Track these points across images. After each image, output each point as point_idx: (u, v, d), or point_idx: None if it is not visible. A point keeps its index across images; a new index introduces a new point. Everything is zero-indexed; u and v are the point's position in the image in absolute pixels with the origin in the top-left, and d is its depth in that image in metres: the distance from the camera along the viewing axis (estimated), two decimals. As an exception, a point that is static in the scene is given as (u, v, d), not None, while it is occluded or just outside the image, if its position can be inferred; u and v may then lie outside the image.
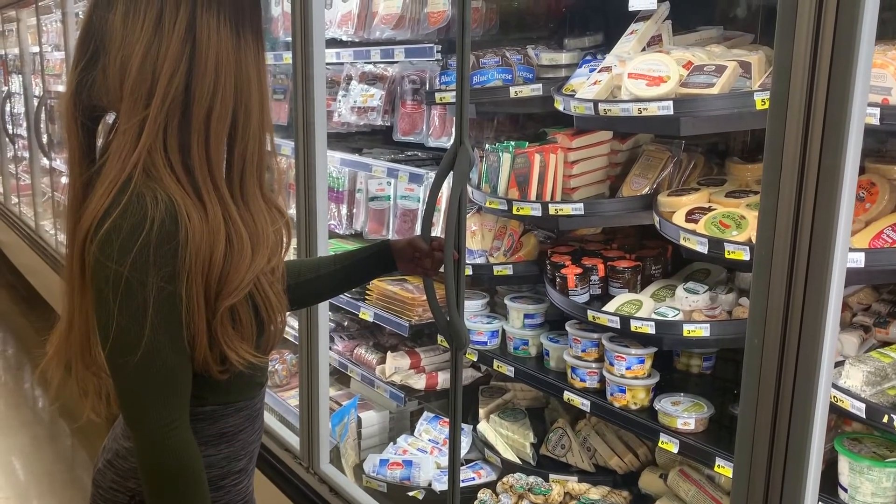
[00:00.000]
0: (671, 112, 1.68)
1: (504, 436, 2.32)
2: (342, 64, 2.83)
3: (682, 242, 1.73)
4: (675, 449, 1.81)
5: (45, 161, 5.98)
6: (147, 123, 1.03)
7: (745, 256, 1.60)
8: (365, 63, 2.76)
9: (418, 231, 2.59)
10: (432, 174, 2.52)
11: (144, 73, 1.03)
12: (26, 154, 6.61)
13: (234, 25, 1.07)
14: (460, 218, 1.45)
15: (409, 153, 2.90)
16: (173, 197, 1.04)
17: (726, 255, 1.63)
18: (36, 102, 5.90)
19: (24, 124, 6.62)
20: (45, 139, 5.63)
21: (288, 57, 2.97)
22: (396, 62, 2.63)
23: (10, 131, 6.97)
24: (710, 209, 1.78)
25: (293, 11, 2.16)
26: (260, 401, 1.31)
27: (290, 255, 2.97)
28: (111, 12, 1.06)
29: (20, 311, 6.06)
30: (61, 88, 5.51)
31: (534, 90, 2.15)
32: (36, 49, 5.96)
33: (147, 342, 1.03)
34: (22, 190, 6.93)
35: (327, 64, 2.33)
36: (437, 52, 2.35)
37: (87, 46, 1.08)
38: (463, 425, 2.45)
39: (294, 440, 2.50)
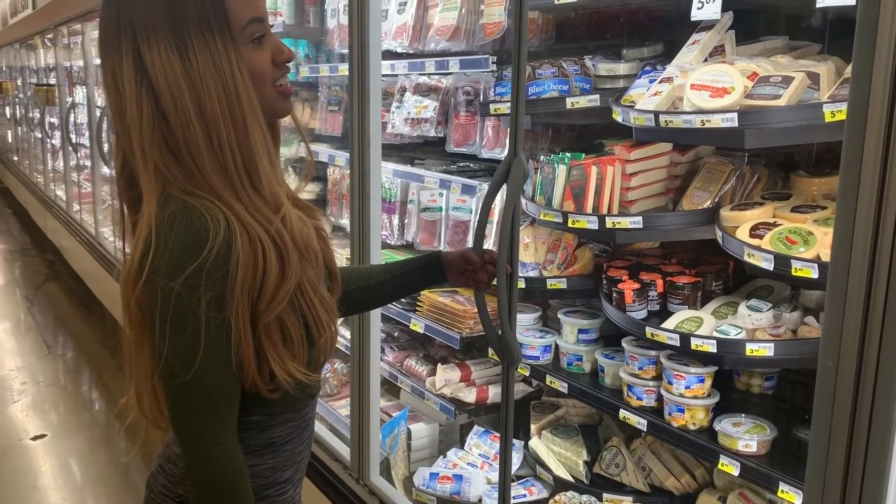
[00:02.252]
0: (736, 124, 1.63)
1: (556, 453, 2.28)
2: (396, 76, 2.84)
3: (746, 258, 1.67)
4: (735, 472, 1.75)
5: (105, 169, 6.17)
6: (150, 170, 1.07)
7: (814, 274, 1.54)
8: (419, 74, 2.77)
9: (470, 243, 2.58)
10: (485, 185, 2.51)
11: (124, 125, 1.08)
12: (88, 163, 6.83)
13: (179, 47, 1.06)
14: (514, 230, 1.43)
15: (461, 164, 2.89)
16: (228, 217, 1.05)
17: (793, 273, 1.57)
18: (98, 113, 6.09)
19: (87, 134, 6.84)
20: (106, 148, 5.80)
21: (343, 69, 3.00)
22: (451, 73, 2.62)
23: (74, 141, 7.20)
24: (775, 224, 1.72)
25: (350, 24, 2.17)
26: (311, 410, 1.30)
27: (342, 264, 2.99)
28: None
29: (80, 315, 6.24)
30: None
31: (591, 101, 2.12)
32: (99, 61, 6.14)
33: (198, 362, 1.04)
34: (83, 197, 7.16)
35: (382, 76, 2.34)
36: (492, 63, 2.34)
37: None
38: (514, 441, 2.41)
39: (344, 450, 2.50)
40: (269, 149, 1.14)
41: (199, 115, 1.06)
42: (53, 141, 8.42)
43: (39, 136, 9.09)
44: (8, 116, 12.27)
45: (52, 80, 8.07)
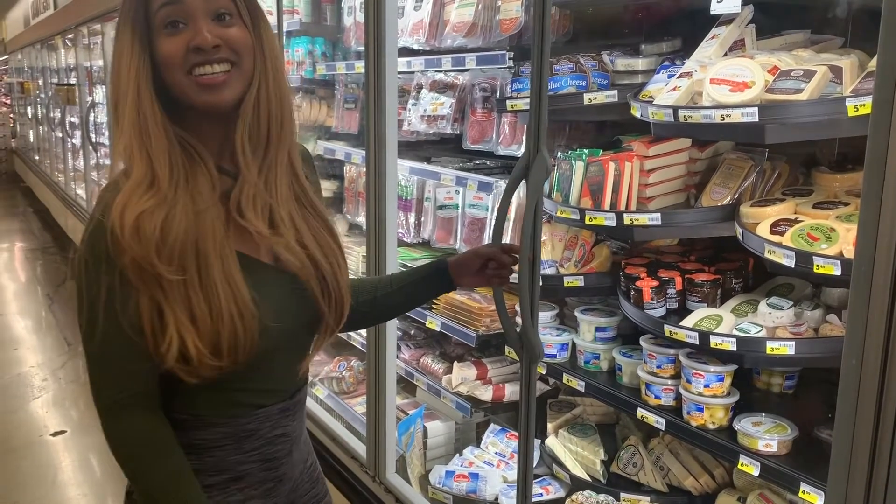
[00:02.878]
0: (756, 119, 1.61)
1: (573, 451, 2.27)
2: (412, 73, 2.83)
3: (766, 255, 1.65)
4: (755, 472, 1.72)
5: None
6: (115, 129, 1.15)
7: (836, 271, 1.51)
8: (436, 71, 2.76)
9: (487, 240, 2.56)
10: (502, 183, 2.50)
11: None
12: (108, 162, 6.89)
13: (120, 29, 1.12)
14: (535, 227, 1.42)
15: (477, 161, 2.88)
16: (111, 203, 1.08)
17: (815, 270, 1.55)
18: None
19: (107, 133, 6.90)
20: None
21: (359, 66, 3.00)
22: (467, 70, 2.61)
23: (94, 140, 7.28)
24: (796, 221, 1.69)
25: (366, 22, 2.17)
26: (257, 422, 1.21)
27: (359, 266, 2.99)
28: None
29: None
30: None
31: (608, 97, 2.10)
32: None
33: (100, 328, 1.08)
34: (103, 196, 7.20)
35: (398, 73, 2.34)
36: (509, 59, 2.32)
37: None
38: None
39: (361, 448, 2.50)
40: (140, 123, 1.12)
41: (112, 100, 1.14)
42: (74, 140, 8.51)
43: (60, 135, 9.19)
44: (30, 116, 12.42)
45: (73, 80, 8.16)
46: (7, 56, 15.44)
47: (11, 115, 14.74)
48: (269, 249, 1.18)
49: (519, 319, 2.39)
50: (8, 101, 15.95)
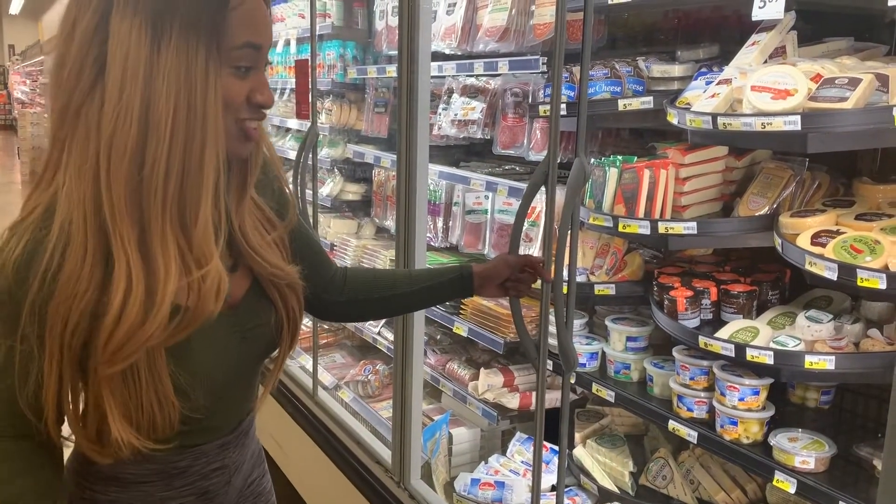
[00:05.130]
0: (798, 127, 1.57)
1: (601, 462, 2.23)
2: (444, 77, 2.82)
3: (807, 267, 1.60)
4: (791, 489, 1.68)
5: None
6: (52, 134, 0.94)
7: (881, 285, 1.47)
8: (467, 76, 2.75)
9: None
10: (533, 189, 2.47)
11: (52, 90, 0.93)
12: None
13: (153, 28, 0.89)
14: (573, 233, 1.39)
15: (506, 167, 2.86)
16: (49, 236, 0.91)
17: (858, 283, 1.50)
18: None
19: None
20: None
21: (390, 70, 3.00)
22: (499, 75, 2.60)
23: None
24: (838, 232, 1.65)
25: (400, 25, 2.16)
26: (191, 460, 1.12)
27: (386, 266, 2.98)
28: None
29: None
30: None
31: (644, 103, 2.06)
32: None
33: None
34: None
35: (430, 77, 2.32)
36: (543, 64, 2.30)
37: None
38: (557, 448, 2.37)
39: (386, 453, 2.49)
40: (219, 191, 0.98)
41: (142, 115, 0.89)
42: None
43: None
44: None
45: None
46: (43, 57, 15.73)
47: (46, 115, 15.00)
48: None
49: (550, 328, 2.37)
50: (43, 102, 16.26)
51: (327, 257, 1.41)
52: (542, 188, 2.50)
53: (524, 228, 2.50)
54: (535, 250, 2.45)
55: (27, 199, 0.96)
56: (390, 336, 2.50)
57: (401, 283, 1.44)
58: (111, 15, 0.90)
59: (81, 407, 1.00)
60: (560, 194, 2.44)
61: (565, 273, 1.65)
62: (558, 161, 2.48)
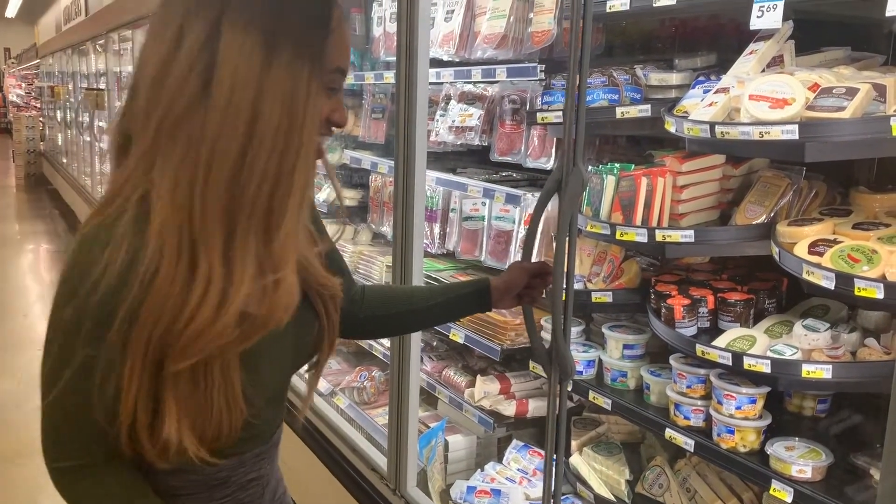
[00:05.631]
0: (796, 136, 1.57)
1: (598, 470, 2.23)
2: (441, 84, 2.83)
3: (804, 276, 1.61)
4: (788, 498, 1.68)
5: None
6: (145, 142, 0.94)
7: (879, 294, 1.47)
8: (465, 83, 2.75)
9: (512, 253, 2.54)
10: (530, 195, 2.48)
11: (154, 95, 0.94)
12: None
13: (267, 47, 0.92)
14: (571, 242, 1.39)
15: (503, 173, 2.86)
16: (145, 239, 0.92)
17: (856, 292, 1.51)
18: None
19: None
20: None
21: (388, 76, 3.00)
22: (497, 82, 2.60)
23: (121, 145, 7.35)
24: (835, 241, 1.65)
25: (398, 33, 2.16)
26: (229, 470, 1.13)
27: (383, 275, 2.98)
28: (146, 34, 0.99)
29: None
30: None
31: (641, 111, 2.07)
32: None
33: (62, 392, 0.97)
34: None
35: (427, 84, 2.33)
36: (540, 71, 2.30)
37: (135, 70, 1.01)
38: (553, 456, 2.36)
39: (381, 460, 2.48)
40: (307, 201, 1.02)
41: (248, 126, 0.92)
42: (102, 144, 8.60)
43: (88, 139, 9.31)
44: (58, 120, 12.61)
45: (102, 85, 8.26)
46: (38, 60, 15.72)
47: (41, 119, 14.98)
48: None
49: (545, 335, 2.37)
50: (38, 105, 16.22)
51: (350, 274, 1.42)
52: (539, 195, 2.51)
53: (520, 236, 2.51)
54: (532, 257, 2.45)
55: (112, 195, 0.96)
56: (386, 342, 2.49)
57: (418, 299, 1.45)
58: (222, 28, 0.92)
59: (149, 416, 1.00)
60: (556, 202, 2.45)
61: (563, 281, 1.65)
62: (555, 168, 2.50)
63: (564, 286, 1.41)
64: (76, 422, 0.99)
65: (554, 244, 2.35)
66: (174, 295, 0.92)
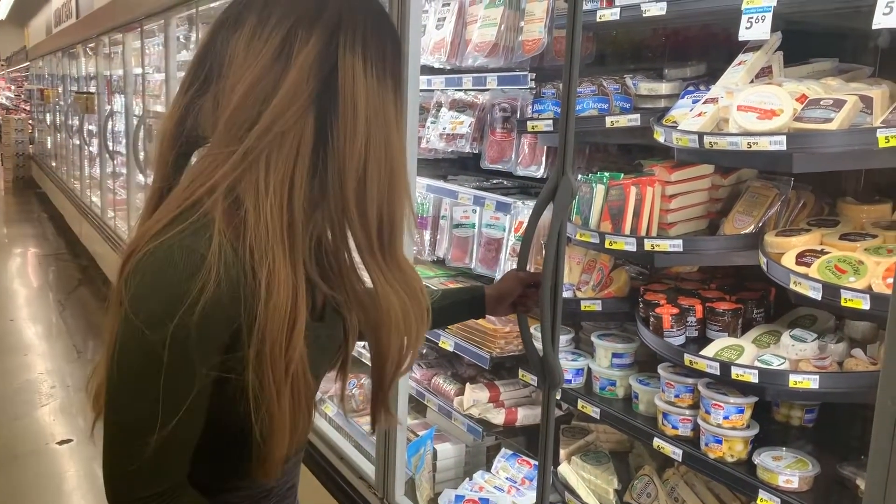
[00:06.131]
0: (784, 147, 1.58)
1: (586, 479, 2.22)
2: (432, 91, 2.83)
3: (792, 286, 1.61)
4: (776, 508, 1.68)
5: (140, 178, 6.25)
6: (240, 150, 0.90)
7: (865, 305, 1.48)
8: (456, 90, 2.75)
9: (503, 261, 2.54)
10: (520, 203, 2.48)
11: (251, 100, 0.91)
12: (124, 170, 6.93)
13: (378, 70, 0.96)
14: (559, 251, 1.39)
15: (494, 181, 2.86)
16: (242, 254, 0.88)
17: (843, 303, 1.51)
18: (136, 121, 6.19)
19: (124, 142, 6.94)
20: (142, 156, 5.88)
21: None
22: (488, 90, 2.60)
23: (111, 148, 7.32)
24: (822, 252, 1.66)
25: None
26: (275, 480, 1.10)
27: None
28: (236, 33, 0.95)
29: (110, 320, 6.29)
30: (160, 108, 5.75)
31: (631, 121, 2.08)
32: (139, 71, 6.26)
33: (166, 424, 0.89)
34: (117, 204, 7.26)
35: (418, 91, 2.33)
36: (531, 80, 2.31)
37: (202, 69, 0.98)
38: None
39: (369, 468, 2.46)
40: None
41: (364, 141, 0.94)
42: (91, 148, 8.57)
43: (77, 142, 9.26)
44: (48, 123, 12.55)
45: (92, 89, 8.23)
46: (28, 63, 15.65)
47: (30, 122, 14.90)
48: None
49: (534, 343, 2.37)
50: (28, 108, 16.15)
51: None
52: (529, 203, 2.50)
53: (510, 243, 2.51)
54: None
55: (180, 208, 0.91)
56: (375, 350, 2.48)
57: None
58: (339, 44, 0.94)
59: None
60: (549, 210, 2.45)
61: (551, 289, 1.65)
62: (545, 176, 2.51)
63: (553, 294, 1.41)
64: (180, 446, 0.93)
65: (543, 252, 2.36)
66: (291, 307, 0.91)
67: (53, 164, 11.91)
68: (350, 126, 0.93)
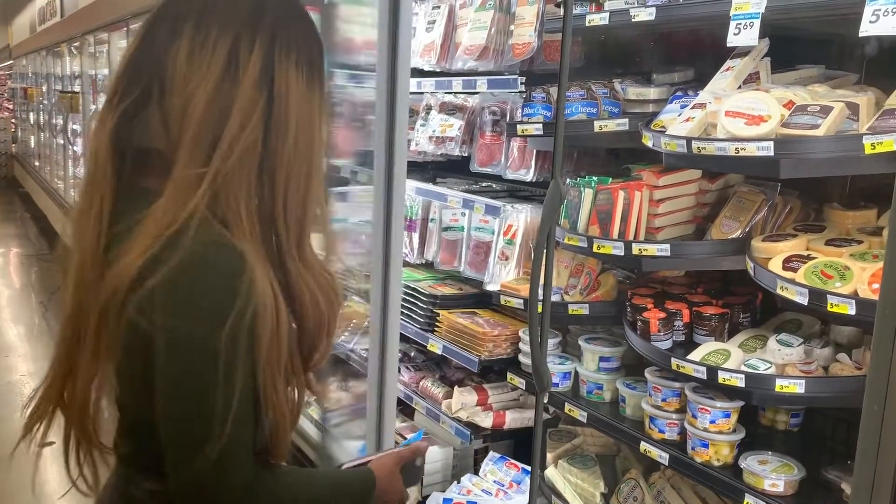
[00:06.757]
0: (771, 153, 1.59)
1: (573, 483, 2.23)
2: (422, 93, 2.83)
3: (779, 291, 1.62)
4: (761, 512, 1.69)
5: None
6: (210, 173, 0.92)
7: (851, 310, 1.49)
8: (445, 93, 2.75)
9: (492, 263, 2.53)
10: (510, 207, 2.48)
11: (210, 119, 0.93)
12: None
13: (307, 74, 0.99)
14: (548, 254, 1.39)
15: (483, 184, 2.87)
16: (241, 249, 0.93)
17: (829, 308, 1.52)
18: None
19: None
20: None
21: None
22: (477, 93, 2.61)
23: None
24: (809, 257, 1.67)
25: (379, 43, 2.15)
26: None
27: (363, 282, 2.95)
28: (174, 43, 0.95)
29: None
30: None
31: (619, 125, 2.09)
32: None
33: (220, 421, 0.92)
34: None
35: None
36: (521, 83, 2.31)
37: (137, 80, 0.97)
38: (529, 469, 2.36)
39: (356, 471, 2.45)
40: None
41: (309, 149, 0.99)
42: (75, 147, 8.49)
43: (62, 142, 9.18)
44: (31, 122, 12.42)
45: (77, 88, 8.16)
46: (12, 61, 15.49)
47: (13, 121, 14.74)
48: None
49: (523, 346, 2.37)
50: (10, 107, 15.97)
51: None
52: (518, 206, 2.51)
53: (500, 246, 2.51)
54: (510, 268, 2.46)
55: (170, 219, 0.92)
56: (363, 352, 2.47)
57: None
58: (274, 57, 0.96)
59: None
60: (537, 213, 2.45)
61: (540, 293, 1.65)
62: (534, 180, 2.51)
63: (541, 299, 1.41)
64: (248, 437, 0.96)
65: (532, 255, 2.36)
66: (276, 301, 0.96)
67: (37, 163, 11.79)
68: (283, 130, 0.96)
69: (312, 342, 1.03)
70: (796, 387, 1.65)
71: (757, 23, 1.69)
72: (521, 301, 2.31)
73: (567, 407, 2.17)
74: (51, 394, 1.05)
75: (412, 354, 2.95)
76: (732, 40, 1.75)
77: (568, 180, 2.18)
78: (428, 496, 2.40)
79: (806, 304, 1.56)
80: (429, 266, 2.85)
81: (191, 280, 0.89)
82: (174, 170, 0.93)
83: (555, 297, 2.25)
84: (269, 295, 0.93)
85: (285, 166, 0.97)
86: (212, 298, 0.89)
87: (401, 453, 1.22)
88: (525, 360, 2.37)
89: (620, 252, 1.95)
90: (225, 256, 0.90)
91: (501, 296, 2.39)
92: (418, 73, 2.72)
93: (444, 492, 2.41)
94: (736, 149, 1.64)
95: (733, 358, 1.79)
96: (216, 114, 0.93)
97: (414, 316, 2.69)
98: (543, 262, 1.41)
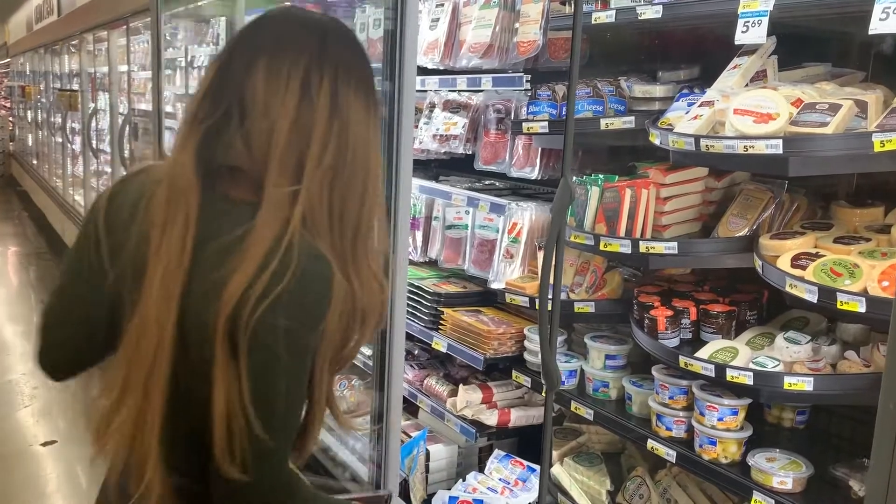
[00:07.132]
0: (780, 151, 1.59)
1: (579, 481, 2.23)
2: (426, 91, 2.82)
3: (788, 289, 1.62)
4: (769, 509, 1.69)
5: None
6: (303, 190, 1.03)
7: (861, 308, 1.49)
8: (449, 91, 2.75)
9: (496, 262, 2.53)
10: (514, 204, 2.48)
11: (294, 142, 1.03)
12: (107, 168, 6.85)
13: (364, 97, 1.08)
14: (558, 252, 1.39)
15: (486, 182, 2.86)
16: (329, 257, 1.03)
17: (839, 306, 1.52)
18: (121, 119, 6.12)
19: (108, 139, 6.86)
20: (126, 154, 5.81)
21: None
22: (482, 91, 2.60)
23: (94, 146, 7.24)
24: (817, 255, 1.67)
25: (385, 42, 2.14)
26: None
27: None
28: (252, 73, 1.05)
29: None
30: (144, 106, 5.68)
31: (626, 123, 2.09)
32: (124, 68, 6.19)
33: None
34: (101, 203, 7.14)
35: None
36: (526, 81, 2.31)
37: (217, 103, 1.06)
38: (535, 466, 2.36)
39: (362, 471, 2.45)
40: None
41: (353, 163, 1.06)
42: (74, 146, 8.46)
43: (60, 140, 9.15)
44: (29, 120, 12.38)
45: (76, 86, 8.13)
46: (9, 59, 15.44)
47: (11, 119, 14.70)
48: None
49: (528, 344, 2.37)
50: (8, 105, 15.93)
51: None
52: (523, 205, 2.50)
53: (504, 245, 2.50)
54: (515, 266, 2.45)
55: (279, 231, 1.01)
56: (367, 351, 2.47)
57: None
58: (339, 86, 1.05)
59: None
60: (542, 211, 2.45)
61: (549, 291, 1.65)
62: (539, 178, 2.51)
63: (550, 297, 1.41)
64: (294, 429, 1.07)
65: (539, 253, 2.36)
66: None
67: (35, 161, 11.74)
68: (345, 150, 1.05)
69: (347, 345, 1.09)
70: (805, 384, 1.65)
71: (765, 20, 1.69)
72: (526, 299, 2.31)
73: (573, 405, 2.17)
74: (131, 414, 1.07)
75: (416, 352, 2.95)
76: (741, 38, 1.75)
77: (574, 178, 2.17)
78: (433, 494, 2.40)
79: (815, 301, 1.56)
80: (432, 264, 2.85)
81: (303, 289, 0.99)
82: (266, 186, 1.02)
83: (561, 295, 2.24)
84: (343, 299, 1.03)
85: (346, 181, 1.06)
86: (316, 303, 1.00)
87: None
88: (530, 357, 2.37)
89: (628, 250, 1.95)
90: (321, 265, 1.01)
91: (506, 294, 2.39)
92: (422, 70, 2.71)
93: (449, 489, 2.41)
94: (745, 146, 1.64)
95: (741, 356, 1.79)
96: (298, 137, 1.03)
97: (418, 314, 2.68)
98: (553, 260, 1.40)
